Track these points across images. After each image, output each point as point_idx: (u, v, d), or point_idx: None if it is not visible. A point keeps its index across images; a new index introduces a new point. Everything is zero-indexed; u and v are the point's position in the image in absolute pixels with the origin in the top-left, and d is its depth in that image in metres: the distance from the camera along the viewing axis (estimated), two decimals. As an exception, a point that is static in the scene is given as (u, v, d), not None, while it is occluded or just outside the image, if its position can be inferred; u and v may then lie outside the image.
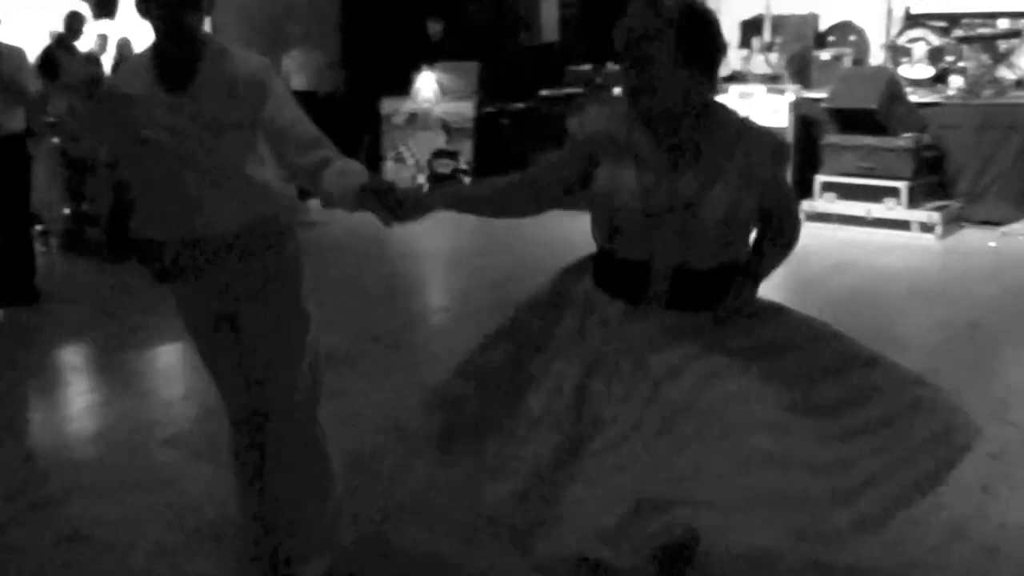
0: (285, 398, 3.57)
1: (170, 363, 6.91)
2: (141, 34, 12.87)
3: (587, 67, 12.71)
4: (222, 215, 3.38)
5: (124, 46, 12.43)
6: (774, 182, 3.12)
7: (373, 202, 3.22)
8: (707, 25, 2.95)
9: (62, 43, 10.24)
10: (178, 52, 3.32)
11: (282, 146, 3.37)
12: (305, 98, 12.82)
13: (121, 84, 3.50)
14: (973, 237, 9.55)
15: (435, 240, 9.95)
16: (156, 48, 3.36)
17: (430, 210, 3.28)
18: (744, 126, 3.09)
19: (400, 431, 4.51)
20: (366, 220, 3.39)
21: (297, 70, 12.67)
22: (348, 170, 3.31)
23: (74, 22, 10.68)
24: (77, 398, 6.29)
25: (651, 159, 3.02)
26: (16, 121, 7.62)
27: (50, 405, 6.29)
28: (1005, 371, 6.05)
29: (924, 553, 3.98)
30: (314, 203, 4.36)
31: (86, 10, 11.76)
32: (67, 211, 9.76)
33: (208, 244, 3.42)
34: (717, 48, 2.99)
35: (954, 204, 9.88)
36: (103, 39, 12.24)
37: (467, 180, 12.54)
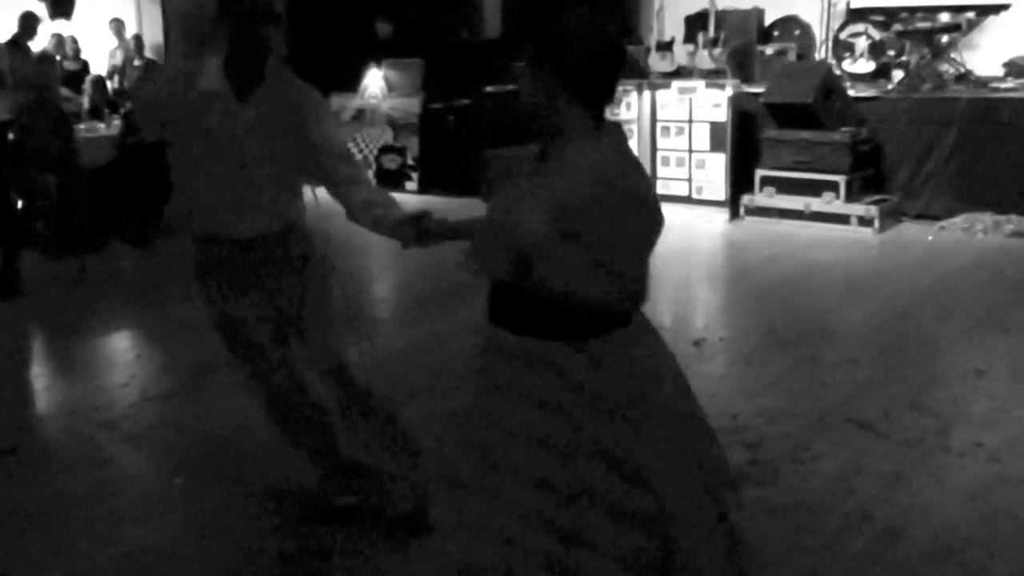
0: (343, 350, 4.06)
1: (114, 351, 7.11)
2: (93, 35, 12.93)
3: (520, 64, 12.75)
4: (261, 215, 3.76)
5: (71, 42, 12.46)
6: None
7: (408, 231, 3.61)
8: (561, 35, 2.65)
9: (16, 43, 10.27)
10: (249, 61, 3.66)
11: (320, 158, 3.78)
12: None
13: (200, 80, 3.72)
14: (911, 231, 9.61)
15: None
16: (231, 55, 3.66)
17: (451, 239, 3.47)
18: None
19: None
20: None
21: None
22: (384, 202, 3.77)
23: (28, 21, 10.75)
24: (19, 384, 6.49)
25: None
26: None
27: None
28: (926, 362, 6.11)
29: (828, 537, 4.03)
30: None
31: (42, 10, 11.79)
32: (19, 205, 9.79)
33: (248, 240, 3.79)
34: (568, 62, 2.64)
35: (892, 198, 9.94)
36: (58, 38, 12.26)
37: (414, 176, 12.58)
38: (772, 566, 3.82)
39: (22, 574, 3.99)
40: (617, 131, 2.79)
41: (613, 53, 2.70)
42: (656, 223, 2.79)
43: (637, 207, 2.71)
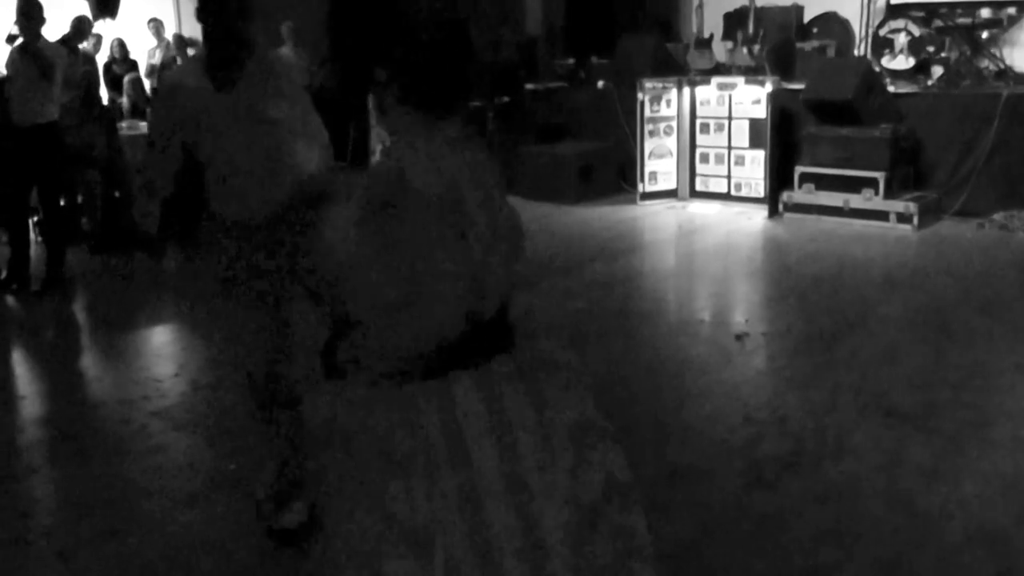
0: None
1: (162, 343, 7.28)
2: (135, 34, 13.07)
3: (570, 61, 12.83)
4: (264, 199, 3.89)
5: (119, 46, 12.62)
6: None
7: None
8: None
9: (67, 43, 10.45)
10: (223, 55, 3.85)
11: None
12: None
13: (181, 79, 4.01)
14: (950, 228, 9.59)
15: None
16: (207, 51, 3.90)
17: None
18: None
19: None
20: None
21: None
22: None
23: (81, 25, 10.98)
24: (71, 374, 6.66)
25: None
26: (53, 111, 8.28)
27: (45, 381, 6.67)
28: (965, 356, 6.12)
29: (870, 526, 4.08)
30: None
31: (86, 9, 11.97)
32: (62, 202, 9.97)
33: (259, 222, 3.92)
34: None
35: (932, 195, 9.93)
36: (98, 39, 12.42)
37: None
38: (816, 552, 3.88)
39: (80, 556, 4.09)
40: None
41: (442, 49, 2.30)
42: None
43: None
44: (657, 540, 3.89)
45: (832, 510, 4.22)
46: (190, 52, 13.43)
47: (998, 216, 9.57)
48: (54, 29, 11.11)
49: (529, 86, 12.46)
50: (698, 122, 11.12)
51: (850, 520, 4.13)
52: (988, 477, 4.51)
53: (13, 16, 8.24)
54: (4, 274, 8.41)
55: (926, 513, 4.17)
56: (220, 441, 5.22)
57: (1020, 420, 5.16)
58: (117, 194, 10.15)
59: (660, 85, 11.19)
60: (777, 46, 11.61)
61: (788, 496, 4.34)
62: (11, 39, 8.32)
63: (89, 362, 7.05)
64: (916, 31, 11.15)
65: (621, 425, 5.07)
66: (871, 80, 10.05)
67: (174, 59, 13.12)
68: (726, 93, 10.83)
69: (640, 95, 11.06)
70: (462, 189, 2.21)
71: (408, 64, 2.26)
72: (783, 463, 4.65)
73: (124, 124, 10.93)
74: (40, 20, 8.09)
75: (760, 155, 10.58)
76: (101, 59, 12.42)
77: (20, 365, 7.06)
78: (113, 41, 12.70)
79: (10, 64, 8.20)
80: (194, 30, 14.33)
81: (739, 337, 6.53)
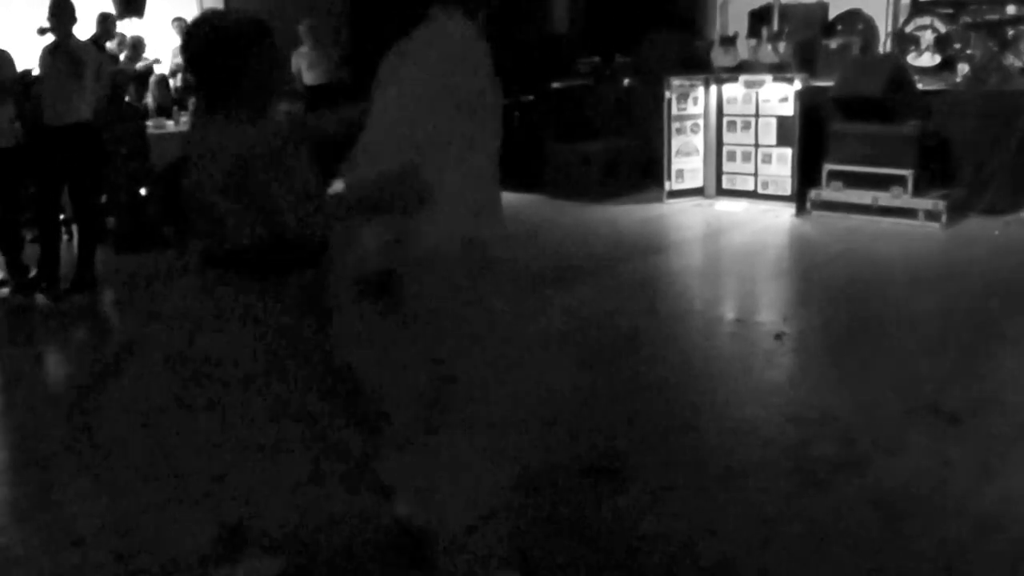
0: None
1: None
2: (157, 34, 13.10)
3: (596, 59, 12.82)
4: None
5: (137, 45, 12.62)
6: None
7: None
8: None
9: (96, 42, 10.47)
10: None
11: None
12: (320, 90, 13.00)
13: None
14: (978, 226, 9.59)
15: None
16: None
17: None
18: None
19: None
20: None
21: (308, 67, 12.83)
22: None
23: (107, 22, 10.98)
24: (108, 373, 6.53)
25: None
26: (85, 110, 8.30)
27: (65, 383, 6.61)
28: (1003, 354, 6.13)
29: (923, 527, 4.09)
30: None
31: (111, 7, 11.98)
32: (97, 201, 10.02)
33: None
34: None
35: (959, 192, 9.92)
36: (122, 38, 12.44)
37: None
38: (870, 553, 3.89)
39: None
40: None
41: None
42: None
43: None
44: (716, 542, 3.97)
45: (885, 511, 4.23)
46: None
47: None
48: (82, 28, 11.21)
49: (554, 84, 12.45)
50: (725, 120, 11.12)
51: (901, 522, 4.14)
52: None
53: (45, 13, 8.25)
54: (34, 272, 8.42)
55: (980, 516, 4.17)
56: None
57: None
58: (143, 192, 10.18)
59: (687, 83, 11.19)
60: (802, 43, 11.60)
61: (841, 498, 4.35)
62: (42, 32, 8.33)
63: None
64: (942, 28, 11.15)
65: (668, 427, 5.14)
66: (900, 77, 10.04)
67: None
68: (753, 91, 10.83)
69: (667, 93, 11.06)
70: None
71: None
72: (833, 464, 4.66)
73: (150, 123, 10.94)
74: (72, 19, 8.11)
75: (787, 153, 10.57)
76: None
77: (50, 365, 7.07)
78: (135, 38, 12.72)
79: (42, 63, 8.22)
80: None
81: (778, 336, 6.54)
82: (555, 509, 4.26)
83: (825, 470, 4.60)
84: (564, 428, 5.11)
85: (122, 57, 12.18)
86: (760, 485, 4.49)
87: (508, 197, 11.65)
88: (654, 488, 4.47)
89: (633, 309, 7.39)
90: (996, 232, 9.34)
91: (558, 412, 5.28)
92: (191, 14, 13.81)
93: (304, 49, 12.94)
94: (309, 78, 12.82)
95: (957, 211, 9.75)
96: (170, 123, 11.22)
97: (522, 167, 12.22)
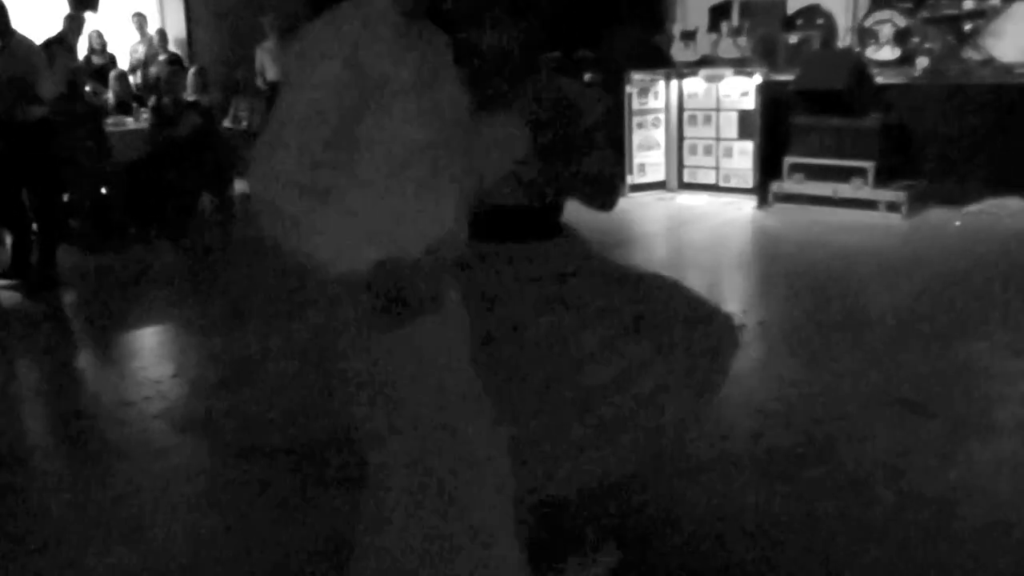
0: None
1: (158, 344, 7.15)
2: (115, 30, 13.00)
3: (556, 53, 12.79)
4: None
5: (98, 37, 12.53)
6: None
7: None
8: None
9: (62, 42, 10.39)
10: None
11: None
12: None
13: None
14: (939, 217, 9.66)
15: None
16: None
17: None
18: None
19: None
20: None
21: (273, 61, 12.72)
22: None
23: (74, 23, 10.92)
24: (68, 375, 6.58)
25: None
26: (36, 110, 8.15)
27: (41, 382, 6.55)
28: (964, 343, 6.16)
29: (884, 514, 4.10)
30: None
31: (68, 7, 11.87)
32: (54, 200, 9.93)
33: None
34: None
35: (920, 184, 9.99)
36: (92, 35, 12.36)
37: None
38: (831, 540, 3.89)
39: (92, 561, 4.06)
40: None
41: None
42: None
43: None
44: (679, 533, 3.96)
45: (846, 499, 4.24)
46: (171, 49, 13.38)
47: (984, 204, 9.64)
48: (35, 26, 11.09)
49: (515, 79, 12.41)
50: (686, 114, 11.15)
51: (862, 509, 4.15)
52: (997, 463, 4.54)
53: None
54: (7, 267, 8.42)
55: (940, 502, 4.19)
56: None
57: (1019, 406, 5.21)
58: (104, 191, 10.10)
59: (648, 78, 11.21)
60: (762, 38, 11.64)
61: (804, 487, 4.35)
62: None
63: (85, 363, 6.99)
64: (902, 22, 11.22)
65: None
66: (861, 71, 10.09)
67: (156, 55, 13.05)
68: (714, 85, 10.86)
69: (628, 88, 11.08)
70: None
71: None
72: (795, 454, 4.66)
73: (110, 120, 10.85)
74: (5, 19, 7.97)
75: (748, 146, 10.62)
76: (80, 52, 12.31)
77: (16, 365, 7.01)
78: (92, 32, 12.58)
79: None
80: (179, 26, 14.36)
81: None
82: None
83: (787, 460, 4.60)
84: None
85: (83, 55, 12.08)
86: (723, 476, 4.49)
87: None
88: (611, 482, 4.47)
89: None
90: (957, 223, 9.41)
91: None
92: (150, 9, 13.78)
93: (269, 44, 12.85)
94: (273, 74, 12.71)
95: (918, 202, 9.81)
96: (130, 120, 11.13)
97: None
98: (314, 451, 4.83)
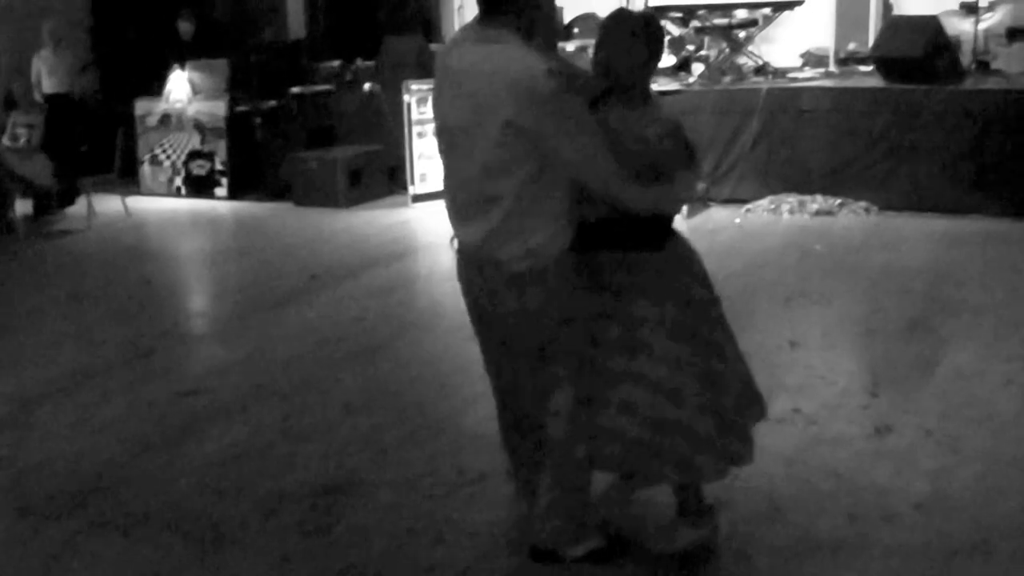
0: None
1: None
2: None
3: (335, 64, 12.62)
4: None
5: None
6: None
7: None
8: None
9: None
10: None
11: None
12: (58, 100, 12.35)
13: None
14: (720, 216, 9.79)
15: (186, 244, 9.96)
16: None
17: None
18: None
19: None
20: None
21: (49, 72, 12.12)
22: None
23: None
24: None
25: None
26: None
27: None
28: (742, 336, 6.09)
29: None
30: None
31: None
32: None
33: None
34: None
35: (699, 185, 10.10)
36: None
37: (224, 181, 12.10)
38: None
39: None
40: None
41: None
42: None
43: None
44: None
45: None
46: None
47: (763, 201, 9.84)
48: None
49: (295, 90, 12.16)
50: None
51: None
52: (771, 452, 4.52)
53: None
54: None
55: (713, 494, 4.10)
56: None
57: (797, 394, 5.33)
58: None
59: (426, 87, 11.07)
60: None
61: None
62: None
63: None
64: (676, 31, 11.42)
65: (411, 431, 5.02)
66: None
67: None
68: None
69: (407, 97, 10.90)
70: None
71: None
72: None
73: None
74: None
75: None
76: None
77: None
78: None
79: None
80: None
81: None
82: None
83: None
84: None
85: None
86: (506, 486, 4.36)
87: (252, 207, 11.58)
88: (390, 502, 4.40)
89: (381, 317, 7.22)
90: (737, 220, 9.58)
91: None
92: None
93: (45, 52, 12.21)
94: (49, 85, 12.09)
95: (698, 202, 9.92)
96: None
97: (268, 176, 11.92)
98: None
